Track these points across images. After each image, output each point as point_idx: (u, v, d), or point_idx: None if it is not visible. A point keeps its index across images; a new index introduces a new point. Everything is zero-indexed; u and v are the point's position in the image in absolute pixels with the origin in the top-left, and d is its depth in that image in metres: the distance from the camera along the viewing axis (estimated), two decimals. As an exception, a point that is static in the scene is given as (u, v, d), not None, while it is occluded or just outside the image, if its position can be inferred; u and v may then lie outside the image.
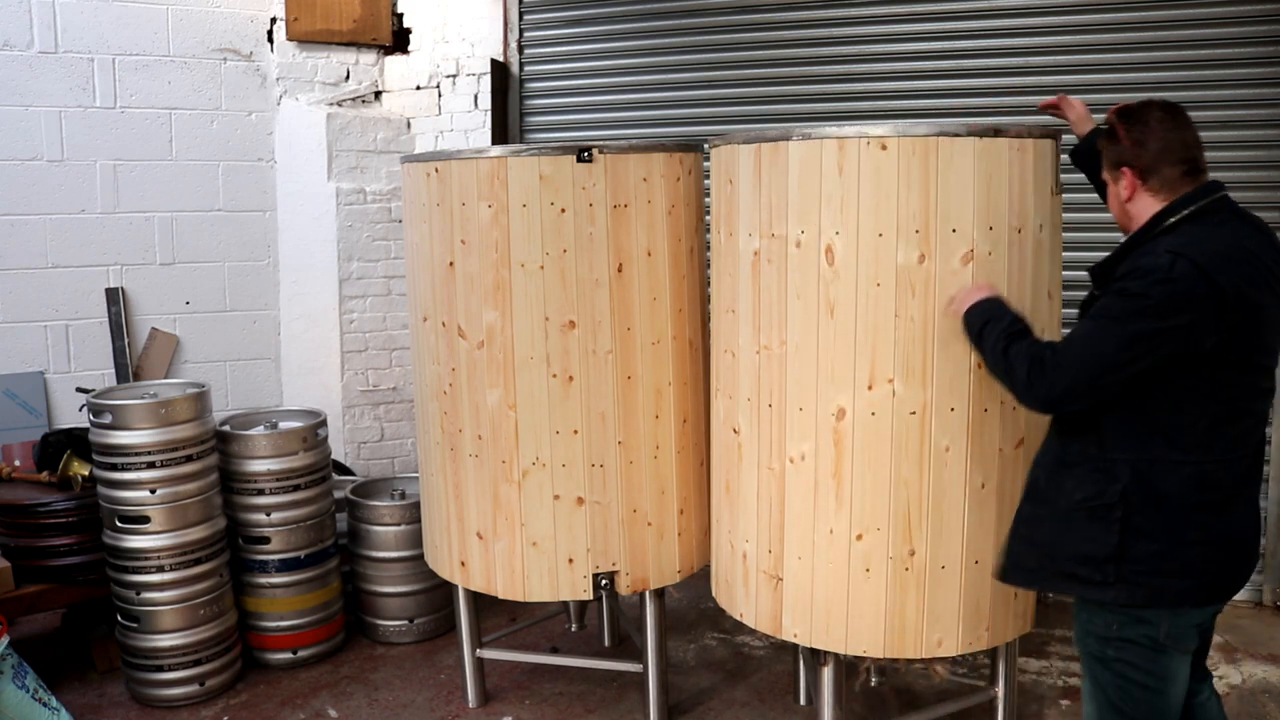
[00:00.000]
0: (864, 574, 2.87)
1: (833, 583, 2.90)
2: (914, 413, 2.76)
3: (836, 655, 3.01)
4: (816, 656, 3.06)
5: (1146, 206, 2.33)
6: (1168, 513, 2.26)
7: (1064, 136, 2.95)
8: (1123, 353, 2.19)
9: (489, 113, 5.19)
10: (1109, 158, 2.40)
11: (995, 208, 2.70)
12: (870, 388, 2.78)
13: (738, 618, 3.21)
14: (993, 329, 2.48)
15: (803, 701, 3.77)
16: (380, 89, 5.45)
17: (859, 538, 2.86)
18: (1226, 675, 3.92)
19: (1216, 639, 4.16)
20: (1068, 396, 2.29)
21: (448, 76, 5.32)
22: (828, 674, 3.06)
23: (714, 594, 3.38)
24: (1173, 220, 2.26)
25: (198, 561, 3.79)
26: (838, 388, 2.82)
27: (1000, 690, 3.31)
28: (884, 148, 2.69)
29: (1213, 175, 3.94)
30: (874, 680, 3.25)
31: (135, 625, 3.78)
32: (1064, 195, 2.93)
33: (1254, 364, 2.25)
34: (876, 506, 2.83)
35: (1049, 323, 2.90)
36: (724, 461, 3.22)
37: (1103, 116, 2.54)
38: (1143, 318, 2.16)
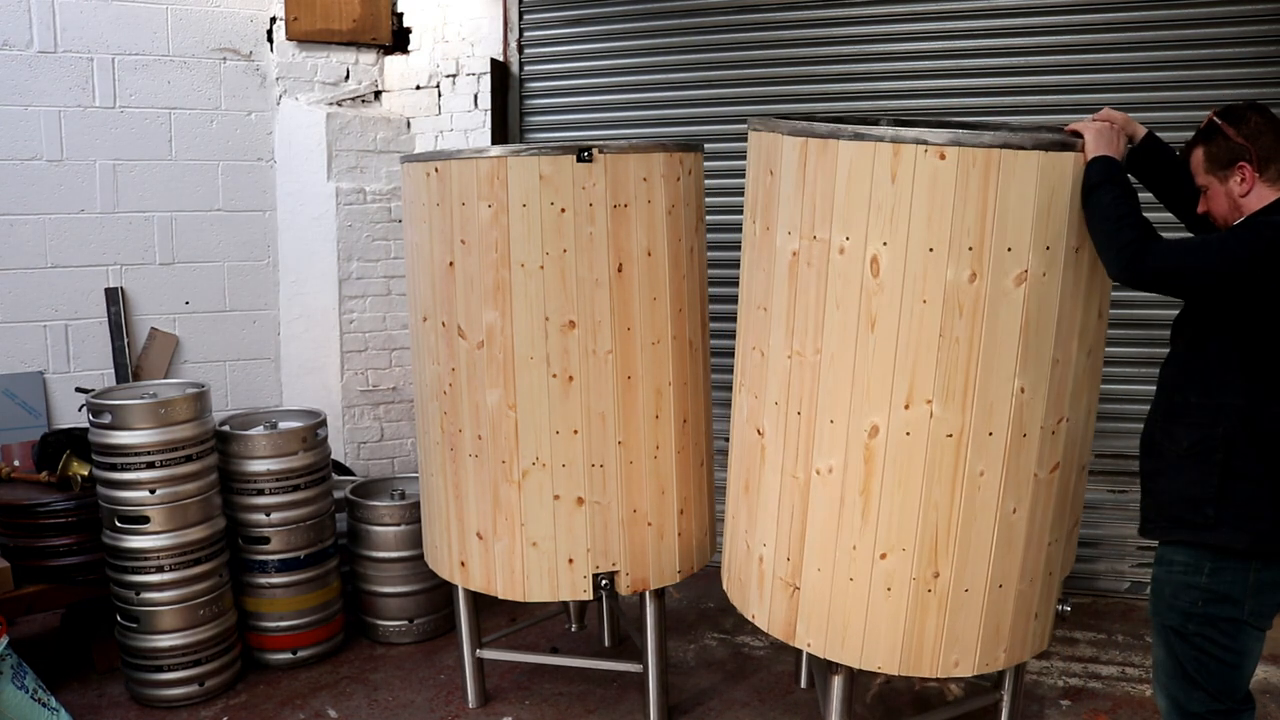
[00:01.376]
0: (885, 593, 2.81)
1: (852, 598, 2.85)
2: (950, 435, 2.67)
3: (850, 668, 2.98)
4: (829, 666, 3.03)
5: (1262, 197, 2.50)
6: (1267, 458, 2.44)
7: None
8: (1224, 264, 2.37)
9: (489, 112, 5.18)
10: (1218, 157, 2.53)
11: (1054, 226, 2.56)
12: (907, 407, 2.68)
13: (750, 619, 3.17)
14: (1111, 190, 2.52)
15: (803, 685, 3.78)
16: (380, 89, 5.45)
17: (883, 556, 2.79)
18: (1227, 675, 3.92)
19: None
20: (1159, 278, 2.44)
21: (448, 76, 5.32)
22: (838, 683, 3.03)
23: (725, 588, 3.34)
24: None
25: (197, 562, 3.79)
26: (873, 404, 2.72)
27: (1006, 697, 3.30)
28: (943, 157, 2.54)
29: None
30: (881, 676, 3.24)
31: (135, 625, 3.77)
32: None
33: None
34: (904, 527, 2.75)
35: (1096, 343, 2.82)
36: (745, 460, 3.13)
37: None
38: (1249, 245, 2.37)
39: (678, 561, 3.51)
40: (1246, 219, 2.48)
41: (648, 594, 3.50)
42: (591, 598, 3.44)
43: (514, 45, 5.27)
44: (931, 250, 2.59)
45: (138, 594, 3.75)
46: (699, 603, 4.61)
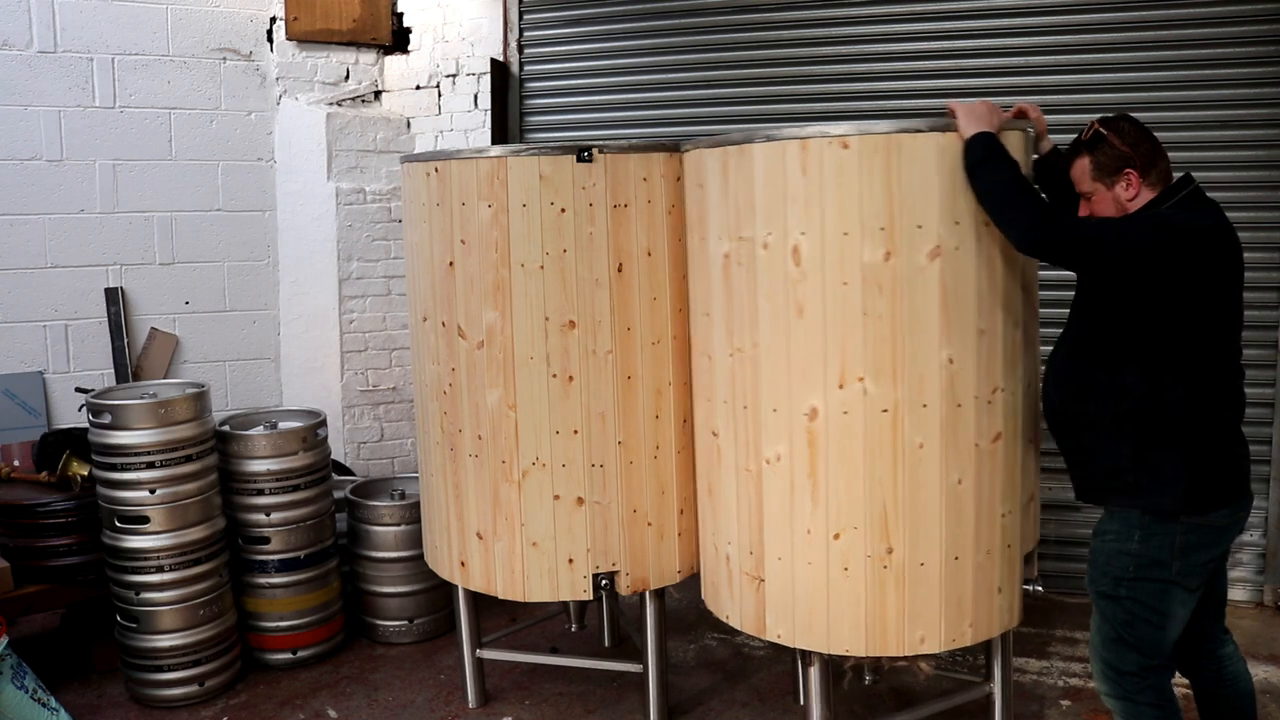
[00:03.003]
0: (843, 573, 2.87)
1: (813, 582, 2.91)
2: (886, 410, 2.77)
3: (822, 655, 3.01)
4: (805, 657, 3.08)
5: (1144, 199, 2.66)
6: (1175, 430, 2.58)
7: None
8: (1124, 244, 2.50)
9: (489, 112, 5.18)
10: (1106, 165, 2.66)
11: (963, 202, 2.70)
12: (841, 387, 2.79)
13: (724, 619, 3.22)
14: (996, 165, 2.64)
15: (803, 701, 3.77)
16: (380, 89, 5.45)
17: (836, 537, 2.86)
18: (1227, 675, 3.92)
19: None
20: (1063, 249, 2.57)
21: (448, 76, 5.32)
22: (814, 674, 3.06)
23: (703, 596, 3.39)
24: (1167, 205, 2.62)
25: (197, 562, 3.79)
26: (809, 388, 2.83)
27: (996, 687, 3.31)
28: (845, 146, 2.71)
29: (1213, 175, 4.07)
30: (869, 679, 3.25)
31: (135, 625, 3.77)
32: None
33: (1224, 312, 2.63)
34: (852, 505, 2.84)
35: (1028, 316, 2.93)
36: (705, 464, 3.25)
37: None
38: (1148, 233, 2.51)
39: (678, 561, 3.51)
40: (1137, 212, 2.63)
41: (648, 594, 3.50)
42: (591, 598, 3.44)
43: (514, 45, 5.27)
44: (846, 234, 2.74)
45: (138, 594, 3.75)
46: (699, 603, 4.59)
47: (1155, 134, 2.72)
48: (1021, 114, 3.11)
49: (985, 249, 2.75)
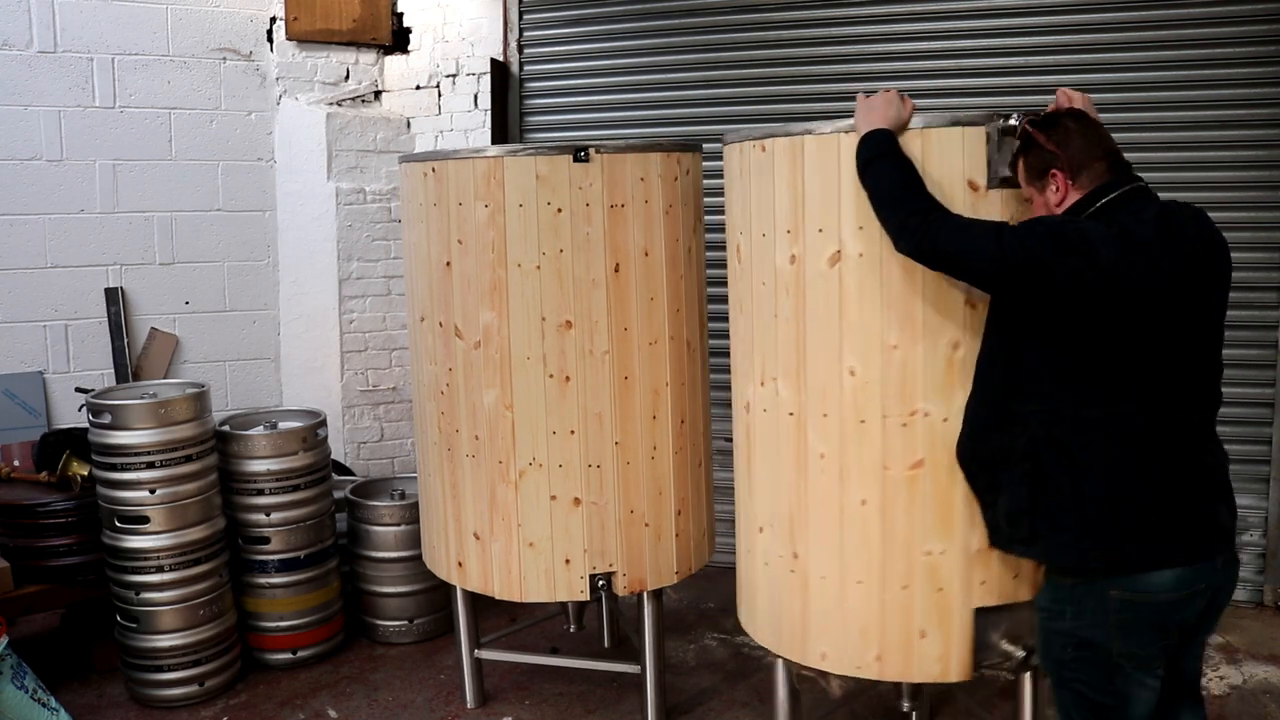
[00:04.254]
0: (764, 567, 2.94)
1: (751, 571, 3.02)
2: (792, 414, 2.76)
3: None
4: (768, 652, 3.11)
5: (1071, 205, 2.38)
6: (1069, 467, 2.26)
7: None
8: (993, 255, 2.26)
9: (489, 112, 5.18)
10: (1034, 166, 2.40)
11: (868, 207, 2.52)
12: (762, 384, 2.86)
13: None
14: (886, 164, 2.46)
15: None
16: (380, 89, 5.45)
17: (761, 530, 2.93)
18: (1228, 675, 3.91)
19: (1217, 639, 4.16)
20: (948, 260, 2.36)
21: (447, 76, 5.32)
22: (779, 667, 3.02)
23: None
24: (1090, 211, 2.30)
25: (197, 562, 3.79)
26: (744, 381, 2.94)
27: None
28: (763, 149, 2.76)
29: (1213, 175, 3.85)
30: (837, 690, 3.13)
31: (135, 625, 3.78)
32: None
33: (1148, 336, 2.23)
34: (771, 502, 2.87)
35: (967, 336, 2.57)
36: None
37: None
38: (1024, 242, 2.24)
39: (675, 562, 3.50)
40: (1038, 218, 2.35)
41: (645, 595, 3.50)
42: (589, 598, 3.44)
43: (514, 45, 5.27)
44: (764, 236, 2.79)
45: (138, 594, 3.75)
46: (699, 603, 4.61)
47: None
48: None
49: (899, 258, 2.51)
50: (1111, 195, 2.29)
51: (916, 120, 2.56)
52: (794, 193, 2.68)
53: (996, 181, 2.54)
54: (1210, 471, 2.31)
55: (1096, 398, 2.24)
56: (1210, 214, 2.38)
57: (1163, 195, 2.42)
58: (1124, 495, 2.23)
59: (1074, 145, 2.33)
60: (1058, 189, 2.36)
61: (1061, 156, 2.34)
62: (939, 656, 2.69)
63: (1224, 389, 4.03)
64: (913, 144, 2.53)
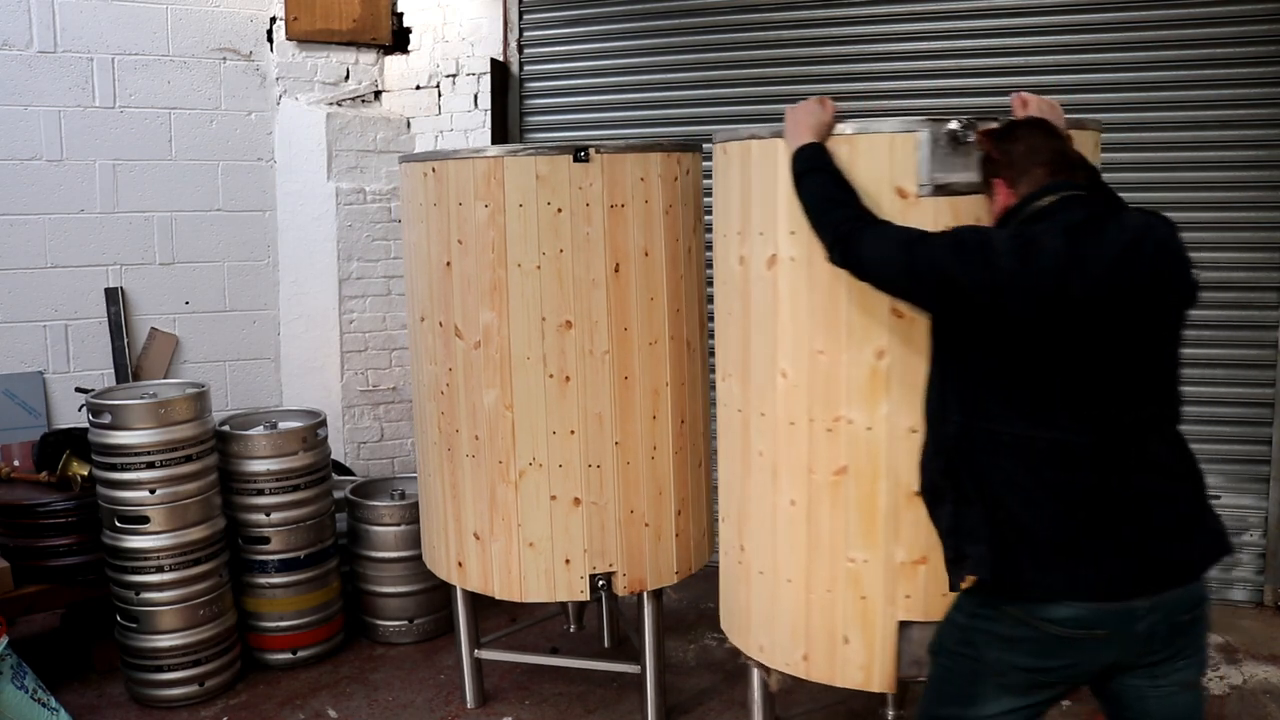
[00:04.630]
0: (724, 556, 3.03)
1: (721, 561, 3.11)
2: (740, 411, 2.83)
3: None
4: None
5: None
6: (988, 487, 2.14)
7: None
8: (904, 266, 2.20)
9: (489, 112, 5.18)
10: (981, 174, 2.36)
11: (799, 212, 2.50)
12: (723, 380, 2.94)
13: None
14: (817, 176, 2.45)
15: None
16: (380, 89, 5.45)
17: (721, 520, 3.05)
18: (1228, 675, 3.91)
19: (1217, 639, 4.16)
20: (857, 274, 2.33)
21: (447, 76, 5.32)
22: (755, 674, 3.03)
23: None
24: (1021, 218, 2.19)
25: (197, 562, 3.79)
26: (718, 372, 3.04)
27: None
28: (725, 151, 2.84)
29: (1212, 175, 3.77)
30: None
31: (135, 625, 3.78)
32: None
33: (1060, 348, 2.09)
34: (725, 494, 3.01)
35: (894, 347, 2.54)
36: None
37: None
38: (943, 246, 2.17)
39: (675, 562, 3.50)
40: (955, 228, 2.28)
41: (645, 595, 3.50)
42: (589, 598, 3.44)
43: (514, 45, 5.27)
44: (725, 236, 2.87)
45: (138, 594, 3.75)
46: (699, 603, 4.61)
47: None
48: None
49: (827, 264, 2.43)
50: (1040, 202, 2.16)
51: (845, 126, 2.52)
52: (743, 195, 2.74)
53: (931, 189, 2.46)
54: (1151, 500, 2.09)
55: (1009, 416, 2.11)
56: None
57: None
58: (1029, 520, 2.09)
59: (1015, 152, 2.24)
60: (999, 196, 2.26)
61: (1002, 163, 2.25)
62: (862, 664, 2.68)
63: (1223, 389, 4.02)
64: (840, 150, 2.50)
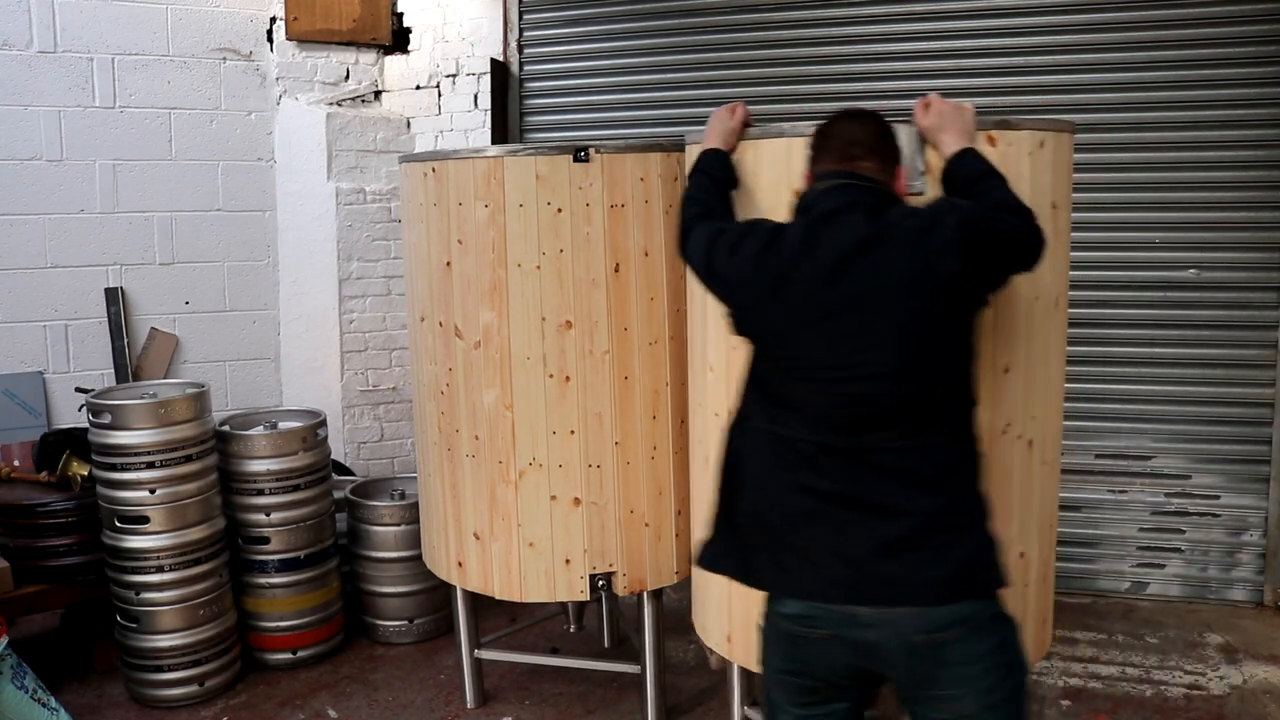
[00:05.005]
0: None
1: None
2: (717, 415, 2.79)
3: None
4: None
5: None
6: (736, 478, 2.19)
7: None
8: (689, 258, 2.36)
9: (489, 112, 5.18)
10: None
11: None
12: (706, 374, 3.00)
13: None
14: (693, 178, 2.58)
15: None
16: (380, 89, 5.45)
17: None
18: (1228, 675, 3.91)
19: (1217, 639, 4.16)
20: (689, 264, 2.38)
21: (447, 76, 5.32)
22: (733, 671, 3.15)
23: None
24: (796, 205, 2.21)
25: (197, 562, 3.79)
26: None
27: None
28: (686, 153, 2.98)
29: (1213, 175, 3.72)
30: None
31: (135, 625, 3.78)
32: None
33: (770, 349, 2.14)
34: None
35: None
36: None
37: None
38: (705, 240, 2.29)
39: (675, 562, 3.50)
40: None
41: (645, 595, 3.50)
42: (589, 598, 3.44)
43: (514, 45, 5.27)
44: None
45: (138, 594, 3.75)
46: (698, 602, 4.61)
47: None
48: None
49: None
50: (805, 195, 2.18)
51: (752, 131, 2.66)
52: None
53: None
54: (878, 511, 2.00)
55: (753, 411, 2.15)
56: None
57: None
58: (761, 513, 2.10)
59: (817, 139, 2.23)
60: (805, 182, 2.27)
61: (809, 151, 2.25)
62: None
63: (1223, 389, 4.00)
64: (746, 155, 2.64)
